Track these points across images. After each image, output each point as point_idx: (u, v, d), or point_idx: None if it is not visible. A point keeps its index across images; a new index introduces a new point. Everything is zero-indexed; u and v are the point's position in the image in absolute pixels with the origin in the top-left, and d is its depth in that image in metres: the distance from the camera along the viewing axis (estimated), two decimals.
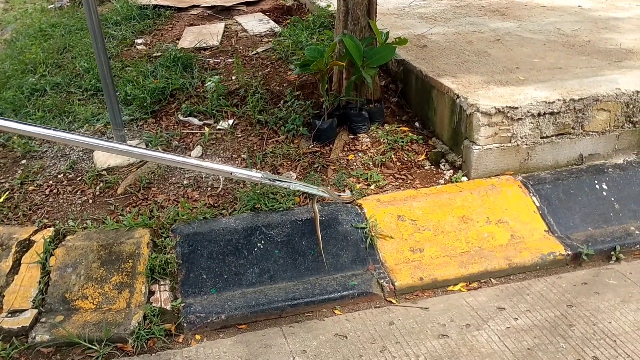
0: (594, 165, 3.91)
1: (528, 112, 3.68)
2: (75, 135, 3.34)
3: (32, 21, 7.34)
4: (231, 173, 3.08)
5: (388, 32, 4.34)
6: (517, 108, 3.66)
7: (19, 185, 3.86)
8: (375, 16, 4.31)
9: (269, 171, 3.86)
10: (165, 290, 3.11)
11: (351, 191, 3.63)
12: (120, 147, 3.16)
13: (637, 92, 3.86)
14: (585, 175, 3.80)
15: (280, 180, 3.13)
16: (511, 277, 3.31)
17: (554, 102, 3.71)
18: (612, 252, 3.42)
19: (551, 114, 3.73)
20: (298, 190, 3.30)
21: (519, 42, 4.86)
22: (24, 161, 4.13)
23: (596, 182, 3.77)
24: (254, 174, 3.08)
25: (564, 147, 3.86)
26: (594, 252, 3.38)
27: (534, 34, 5.08)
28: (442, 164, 3.96)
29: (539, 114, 3.70)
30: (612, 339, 2.80)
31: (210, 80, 4.81)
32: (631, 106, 3.87)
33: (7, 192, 3.80)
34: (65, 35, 6.42)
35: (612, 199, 3.71)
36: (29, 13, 8.06)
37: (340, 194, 3.58)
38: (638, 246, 3.48)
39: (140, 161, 3.99)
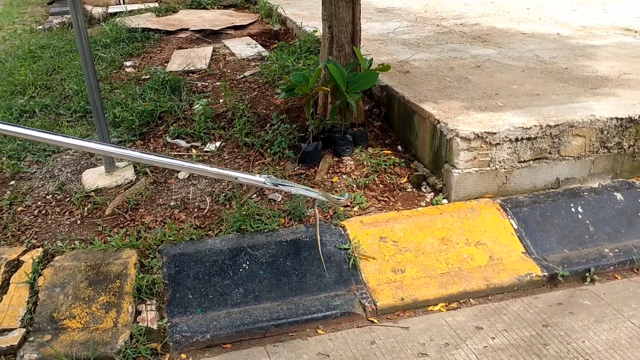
0: (570, 189, 4.04)
1: (506, 137, 3.81)
2: (77, 140, 3.39)
3: (21, 42, 7.42)
4: (236, 178, 3.15)
5: (372, 58, 4.48)
6: (495, 133, 3.78)
7: (8, 206, 3.91)
8: (360, 43, 4.44)
9: (255, 193, 3.96)
10: (151, 310, 3.17)
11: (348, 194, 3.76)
12: (132, 154, 3.26)
13: (611, 118, 4.00)
14: (562, 198, 3.93)
15: (283, 185, 3.21)
16: (489, 298, 3.41)
17: (531, 127, 3.84)
18: (587, 274, 3.53)
19: (528, 139, 3.86)
20: (300, 194, 3.38)
21: (499, 68, 5.01)
22: (12, 182, 4.18)
23: (572, 205, 3.89)
24: (258, 179, 3.15)
25: (541, 171, 3.99)
26: (569, 274, 3.49)
27: (513, 60, 5.24)
28: (424, 186, 4.07)
29: (516, 139, 3.83)
30: (586, 358, 2.90)
31: (198, 103, 4.91)
32: (605, 132, 4.01)
33: None
34: (54, 57, 6.51)
35: (587, 222, 3.83)
36: (17, 34, 8.14)
37: (338, 197, 3.68)
38: (612, 268, 3.59)
39: (128, 182, 4.07)
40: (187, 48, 6.68)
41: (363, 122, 4.58)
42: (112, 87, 5.50)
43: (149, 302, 3.21)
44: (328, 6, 4.27)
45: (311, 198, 3.47)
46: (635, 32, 6.23)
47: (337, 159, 4.30)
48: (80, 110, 5.04)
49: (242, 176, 3.17)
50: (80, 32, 3.79)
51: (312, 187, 4.01)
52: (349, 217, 3.74)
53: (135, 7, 8.71)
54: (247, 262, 3.40)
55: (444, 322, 3.20)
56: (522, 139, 3.84)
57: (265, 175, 3.20)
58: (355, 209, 3.84)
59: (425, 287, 3.36)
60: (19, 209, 3.90)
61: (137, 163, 4.23)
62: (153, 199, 3.93)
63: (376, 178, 4.10)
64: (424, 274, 3.46)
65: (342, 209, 3.80)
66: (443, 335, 3.09)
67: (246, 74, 5.70)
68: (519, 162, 3.91)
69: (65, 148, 4.52)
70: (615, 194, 3.99)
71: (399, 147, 4.46)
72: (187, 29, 7.35)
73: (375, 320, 3.23)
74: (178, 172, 4.19)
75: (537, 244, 3.68)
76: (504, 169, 3.89)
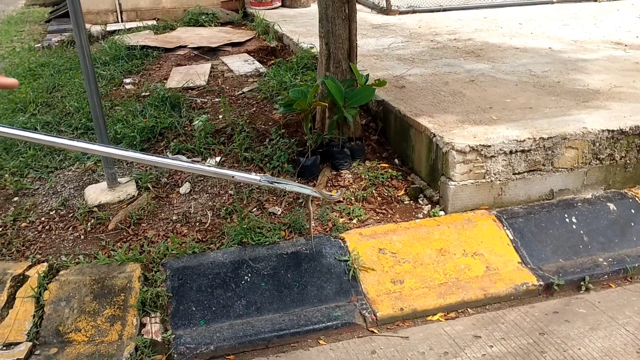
0: (564, 199, 4.13)
1: (500, 150, 3.90)
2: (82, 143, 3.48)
3: (20, 60, 7.50)
4: (232, 177, 3.23)
5: (368, 74, 4.58)
6: (490, 146, 3.87)
7: (12, 221, 3.97)
8: (356, 59, 4.54)
9: (255, 208, 4.03)
10: (156, 323, 3.23)
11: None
12: (133, 155, 3.32)
13: (603, 130, 4.09)
14: (556, 209, 4.01)
15: (278, 182, 3.30)
16: (487, 307, 3.48)
17: (524, 140, 3.94)
18: (582, 283, 3.60)
19: (522, 151, 3.95)
20: (294, 191, 3.47)
21: (493, 82, 5.12)
22: (16, 198, 4.25)
23: (566, 216, 3.97)
24: (254, 177, 3.24)
25: (536, 183, 4.07)
26: (565, 283, 3.57)
27: (506, 74, 5.35)
28: (421, 199, 4.15)
29: (510, 152, 3.92)
30: None
31: (198, 119, 4.99)
32: (597, 144, 4.10)
33: (0, 229, 3.90)
34: (54, 75, 6.60)
35: (582, 232, 3.91)
36: (16, 52, 8.22)
37: (331, 194, 3.79)
38: (606, 277, 3.67)
39: (131, 198, 4.14)
40: (185, 65, 6.77)
41: (360, 136, 4.67)
42: (112, 104, 5.58)
43: (153, 315, 3.27)
44: (325, 24, 4.37)
45: (305, 195, 3.54)
46: (626, 45, 6.35)
47: (335, 172, 4.38)
48: (81, 127, 5.11)
49: (239, 174, 3.26)
50: (83, 50, 3.87)
51: (311, 200, 4.08)
52: (348, 230, 3.81)
53: (133, 25, 8.83)
54: (249, 275, 3.47)
55: (443, 332, 3.26)
56: (516, 151, 3.93)
57: (261, 174, 3.30)
58: (354, 221, 3.92)
59: (424, 298, 3.43)
60: (23, 224, 3.96)
61: (139, 178, 4.30)
62: (155, 214, 4.00)
63: (374, 191, 4.18)
64: (423, 284, 3.53)
65: (341, 221, 3.87)
66: (442, 344, 3.16)
67: (244, 90, 5.79)
68: (513, 174, 4.00)
69: (68, 165, 4.59)
70: (608, 204, 4.07)
71: (396, 161, 4.55)
72: (185, 46, 7.45)
73: (375, 331, 3.30)
74: (180, 187, 4.26)
75: (532, 254, 3.76)
76: (499, 180, 3.98)
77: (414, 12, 8.66)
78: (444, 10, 8.71)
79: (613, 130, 4.10)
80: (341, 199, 3.87)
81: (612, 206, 4.06)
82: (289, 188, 3.35)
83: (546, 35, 6.94)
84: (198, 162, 4.54)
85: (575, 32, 7.07)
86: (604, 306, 3.45)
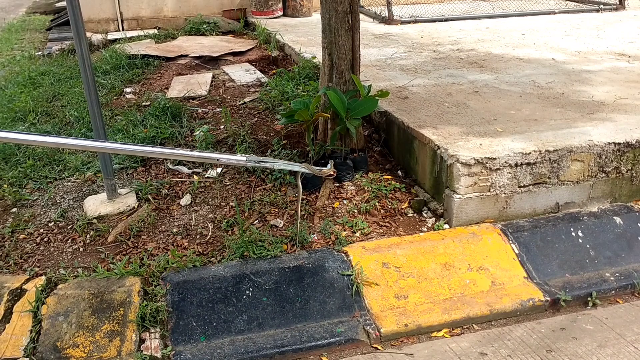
0: (569, 213, 4.07)
1: (506, 162, 3.85)
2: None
3: (20, 68, 7.46)
4: (217, 159, 3.21)
5: (370, 85, 4.53)
6: (495, 159, 3.82)
7: (10, 233, 3.92)
8: (359, 70, 4.50)
9: (257, 220, 3.97)
10: (155, 338, 3.17)
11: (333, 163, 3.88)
12: (123, 147, 3.39)
13: (609, 143, 4.05)
14: (562, 223, 3.96)
15: (264, 162, 3.25)
16: (492, 323, 3.42)
17: (530, 153, 3.89)
18: (589, 298, 3.55)
19: (528, 164, 3.90)
20: (282, 169, 3.42)
21: (496, 94, 5.08)
22: (14, 209, 4.19)
23: (572, 229, 3.92)
24: (239, 158, 3.21)
25: (541, 196, 4.02)
26: (572, 298, 3.51)
27: (510, 86, 5.31)
28: (425, 211, 4.10)
29: (516, 165, 3.87)
30: None
31: (199, 130, 4.95)
32: (603, 157, 4.05)
33: None
34: (54, 84, 6.56)
35: (588, 246, 3.86)
36: (16, 60, 8.19)
37: (321, 168, 3.71)
38: (613, 292, 3.61)
39: (131, 209, 4.08)
40: (186, 74, 6.74)
41: (363, 147, 4.62)
42: (112, 114, 5.54)
43: (152, 330, 3.20)
44: (328, 34, 4.33)
45: (294, 171, 3.49)
46: (629, 57, 6.32)
47: (337, 184, 4.33)
48: (81, 137, 5.06)
49: (224, 157, 3.25)
50: (84, 61, 3.83)
51: (313, 212, 4.04)
52: (351, 243, 3.75)
53: (134, 33, 8.80)
54: (251, 289, 3.41)
55: (448, 348, 3.20)
56: (521, 164, 3.88)
57: (247, 155, 3.26)
58: (357, 234, 3.86)
59: (429, 313, 3.37)
60: (21, 236, 3.90)
61: (139, 190, 4.25)
62: (155, 226, 3.94)
63: (377, 203, 4.12)
64: (427, 299, 3.47)
65: (344, 234, 3.82)
66: None
67: (246, 100, 5.75)
68: (519, 187, 3.94)
69: (67, 176, 4.54)
70: (614, 218, 4.02)
71: (399, 173, 4.50)
72: (186, 55, 7.42)
73: (379, 347, 3.23)
74: (180, 198, 4.21)
75: (538, 268, 3.70)
76: (504, 194, 3.92)
77: (416, 22, 8.62)
78: (446, 20, 8.68)
79: (619, 143, 4.05)
80: (332, 172, 3.75)
81: (618, 220, 4.01)
82: (277, 166, 3.33)
83: (549, 46, 6.90)
84: (199, 173, 4.49)
85: (578, 43, 7.04)
86: (612, 322, 3.38)
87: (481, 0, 10.32)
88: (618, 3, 9.34)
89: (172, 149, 3.54)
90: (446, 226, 3.92)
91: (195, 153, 3.42)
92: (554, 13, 9.16)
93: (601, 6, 9.36)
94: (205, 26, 8.91)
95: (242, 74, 6.63)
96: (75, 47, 3.82)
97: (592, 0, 9.73)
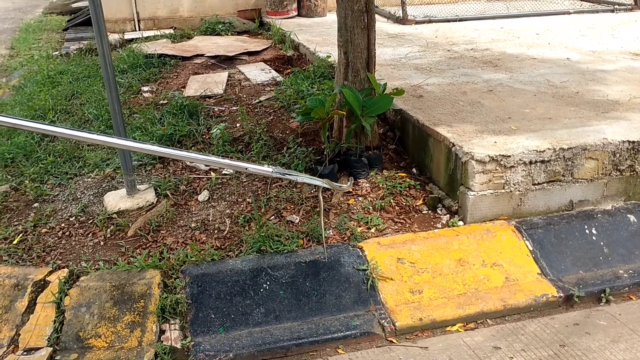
0: (583, 211, 4.10)
1: (520, 160, 3.88)
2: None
3: (38, 68, 7.58)
4: (246, 168, 3.32)
5: (385, 83, 4.58)
6: (509, 156, 3.86)
7: (32, 227, 4.01)
8: (374, 68, 4.55)
9: (273, 216, 4.03)
10: (175, 329, 3.24)
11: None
12: (152, 148, 3.51)
13: (623, 141, 4.07)
14: (576, 220, 3.98)
15: (289, 174, 3.37)
16: (506, 318, 3.45)
17: (544, 151, 3.92)
18: (602, 295, 3.57)
19: (542, 162, 3.93)
20: (305, 182, 3.58)
21: (511, 92, 5.10)
22: (36, 204, 4.28)
23: (586, 227, 3.95)
24: (266, 169, 3.33)
25: (555, 194, 4.05)
26: (585, 294, 3.54)
27: (525, 85, 5.33)
28: (439, 208, 4.14)
29: (530, 162, 3.90)
30: None
31: (216, 127, 5.02)
32: (618, 155, 4.07)
33: (21, 235, 3.94)
34: (73, 82, 6.66)
35: (602, 243, 3.88)
36: (34, 59, 8.31)
37: (340, 185, 3.92)
38: (627, 289, 3.63)
39: (150, 205, 4.16)
40: (202, 73, 6.81)
41: (378, 145, 4.67)
42: (131, 112, 5.62)
43: (172, 322, 3.28)
44: (344, 33, 4.38)
45: (316, 186, 3.63)
46: None
47: (353, 181, 4.38)
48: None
49: (252, 167, 3.36)
50: (105, 59, 3.91)
51: (329, 209, 4.09)
52: (366, 239, 3.80)
53: (151, 33, 8.89)
54: (268, 283, 3.47)
55: (462, 342, 3.24)
56: (536, 161, 3.92)
57: (273, 166, 3.38)
58: (372, 230, 3.91)
59: (443, 308, 3.42)
60: (43, 230, 3.99)
61: (158, 186, 4.33)
62: (174, 221, 4.02)
63: (392, 200, 4.17)
64: (442, 294, 3.51)
65: (359, 230, 3.87)
66: (462, 355, 3.14)
67: (262, 98, 5.82)
68: (533, 184, 3.98)
69: (87, 172, 4.63)
70: (628, 215, 4.04)
71: (414, 170, 4.54)
72: (202, 55, 7.50)
73: (394, 340, 3.28)
74: (198, 194, 4.28)
75: (552, 265, 3.73)
76: (519, 191, 3.96)
77: (430, 21, 8.65)
78: (460, 20, 8.70)
79: (634, 142, 4.07)
80: (350, 190, 3.87)
81: (632, 218, 4.03)
82: (300, 179, 3.42)
83: (564, 46, 6.91)
84: (216, 170, 4.56)
85: (592, 43, 7.04)
86: (625, 318, 3.41)
87: (495, 1, 10.32)
88: (633, 3, 9.32)
89: (205, 155, 3.67)
90: (460, 223, 3.96)
91: (226, 161, 3.57)
92: (569, 13, 9.16)
93: (616, 6, 9.33)
94: (220, 26, 8.99)
95: (257, 73, 6.70)
96: (97, 45, 3.90)
97: (607, 1, 9.71)
